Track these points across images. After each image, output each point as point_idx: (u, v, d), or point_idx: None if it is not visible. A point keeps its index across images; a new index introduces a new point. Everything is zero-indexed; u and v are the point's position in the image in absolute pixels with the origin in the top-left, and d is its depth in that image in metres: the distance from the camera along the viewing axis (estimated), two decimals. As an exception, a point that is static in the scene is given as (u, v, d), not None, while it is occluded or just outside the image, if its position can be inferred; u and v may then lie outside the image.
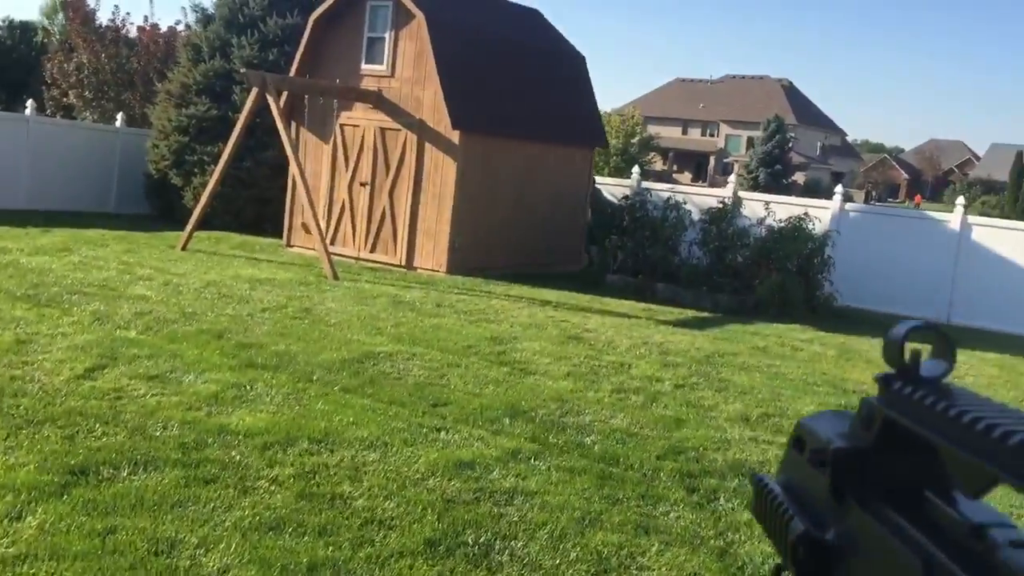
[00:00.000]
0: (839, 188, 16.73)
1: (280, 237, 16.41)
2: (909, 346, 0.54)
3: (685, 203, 15.48)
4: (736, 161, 65.16)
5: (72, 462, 4.83)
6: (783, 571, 0.61)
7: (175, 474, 4.83)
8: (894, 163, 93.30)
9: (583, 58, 17.20)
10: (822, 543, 0.57)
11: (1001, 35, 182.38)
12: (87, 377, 6.47)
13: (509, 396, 7.12)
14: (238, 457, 5.17)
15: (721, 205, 14.47)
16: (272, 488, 4.79)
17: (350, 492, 4.83)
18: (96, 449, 5.08)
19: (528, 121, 15.46)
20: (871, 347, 11.48)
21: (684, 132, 75.56)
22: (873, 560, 0.52)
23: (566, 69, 16.75)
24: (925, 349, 0.56)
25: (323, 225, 14.87)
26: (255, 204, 17.67)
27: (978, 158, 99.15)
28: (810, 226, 13.86)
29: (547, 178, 15.75)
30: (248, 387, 6.63)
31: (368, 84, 14.68)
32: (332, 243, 14.86)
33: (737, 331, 11.53)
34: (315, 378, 7.11)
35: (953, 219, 15.46)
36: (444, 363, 8.03)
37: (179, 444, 5.29)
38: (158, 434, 5.45)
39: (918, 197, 66.92)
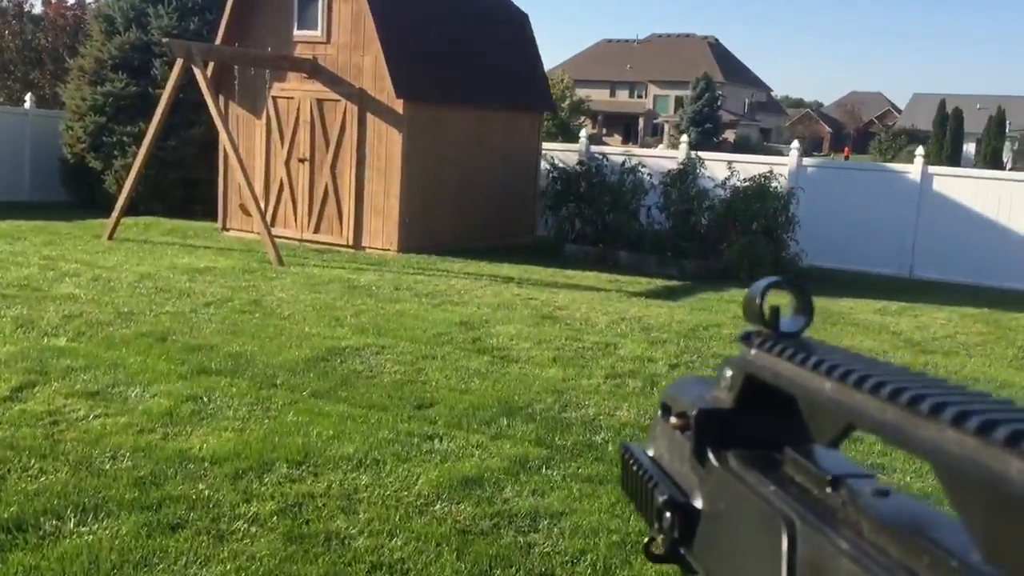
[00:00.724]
0: (795, 144, 16.24)
1: (214, 220, 15.34)
2: (769, 303, 0.53)
3: (642, 166, 14.84)
4: (666, 121, 65.00)
5: (4, 515, 3.97)
6: (652, 542, 0.58)
7: (134, 520, 4.01)
8: (817, 117, 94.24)
9: (526, 16, 16.38)
10: (686, 508, 0.56)
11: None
12: (14, 399, 5.56)
13: (498, 390, 6.39)
14: (207, 492, 4.36)
15: (681, 167, 13.85)
16: (253, 531, 4.00)
17: (347, 529, 4.07)
18: (33, 494, 4.22)
19: (475, 86, 14.61)
20: (851, 308, 11.02)
21: (612, 94, 75.06)
22: (737, 520, 0.51)
23: (509, 29, 15.91)
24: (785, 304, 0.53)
25: (262, 206, 13.87)
26: (183, 186, 16.57)
27: (898, 109, 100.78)
28: (773, 184, 13.32)
29: (496, 146, 14.96)
30: (205, 399, 5.79)
31: (302, 52, 13.67)
32: (272, 225, 13.86)
33: (712, 300, 10.95)
34: (279, 382, 6.29)
35: (913, 170, 15.10)
36: (417, 355, 7.26)
37: (134, 480, 4.46)
38: (107, 467, 4.60)
39: (847, 150, 67.55)
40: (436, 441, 5.31)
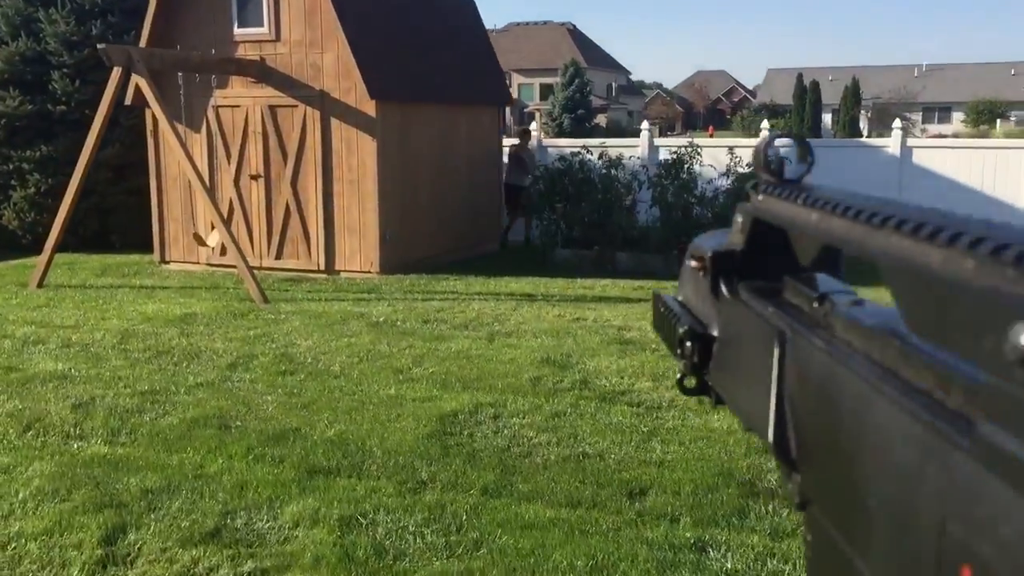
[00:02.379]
0: (764, 123, 15.47)
1: (141, 252, 13.35)
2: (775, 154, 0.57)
3: (620, 159, 13.71)
4: (538, 110, 64.36)
5: None
6: (684, 377, 0.66)
7: None
8: (668, 98, 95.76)
9: (473, 2, 14.96)
10: (702, 335, 0.63)
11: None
12: (111, 562, 3.89)
13: (703, 456, 5.10)
14: None
15: (675, 156, 12.75)
16: None
17: None
18: None
19: (438, 81, 13.13)
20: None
21: (477, 84, 73.83)
22: (742, 339, 0.57)
23: (460, 17, 14.47)
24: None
25: (210, 233, 12.03)
26: (96, 215, 14.39)
27: (743, 86, 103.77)
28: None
29: (461, 146, 13.53)
30: (362, 520, 4.26)
31: (246, 52, 11.87)
32: (222, 254, 12.06)
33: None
34: (425, 477, 4.81)
35: (892, 144, 14.53)
36: (545, 414, 5.88)
37: None
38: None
39: (711, 129, 68.55)
40: (711, 551, 3.99)
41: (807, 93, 62.62)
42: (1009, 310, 0.33)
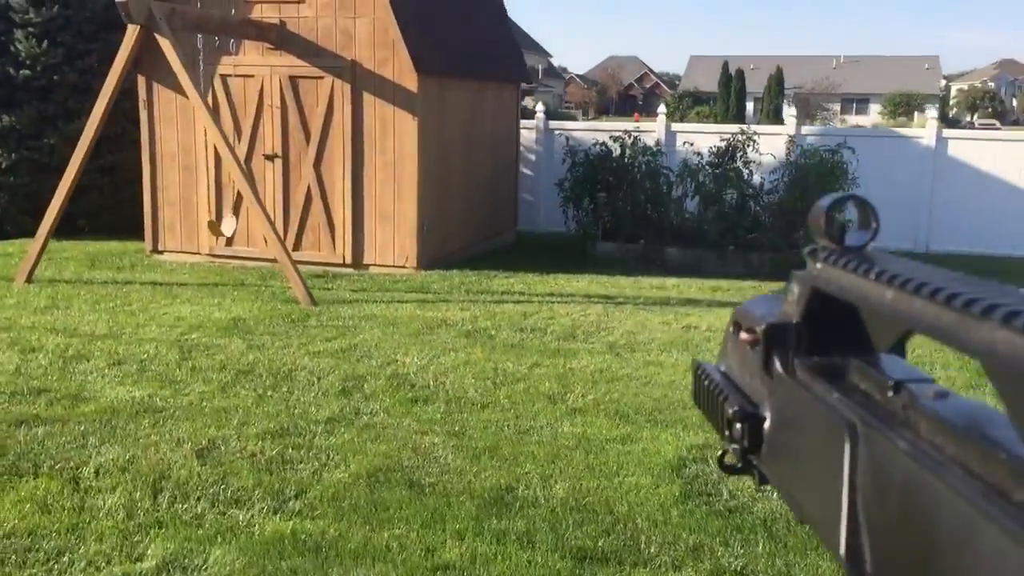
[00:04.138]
0: (791, 110, 14.66)
1: (115, 239, 11.77)
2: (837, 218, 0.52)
3: (659, 144, 12.70)
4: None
5: None
6: (725, 454, 0.60)
7: None
8: (581, 83, 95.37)
9: (490, -29, 13.67)
10: (755, 417, 0.57)
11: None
12: None
13: None
14: None
15: (726, 143, 11.77)
16: None
17: None
18: None
19: (470, 53, 11.87)
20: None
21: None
22: (803, 427, 0.52)
23: (478, -15, 13.18)
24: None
25: (213, 218, 10.54)
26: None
27: (654, 72, 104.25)
28: (838, 157, 11.52)
29: (486, 126, 12.30)
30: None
31: (263, 15, 10.37)
32: (229, 244, 10.59)
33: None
34: (728, 563, 3.68)
35: (926, 135, 13.87)
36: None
37: None
38: None
39: (636, 115, 68.25)
40: None
41: (732, 81, 62.91)
42: None
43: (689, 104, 68.37)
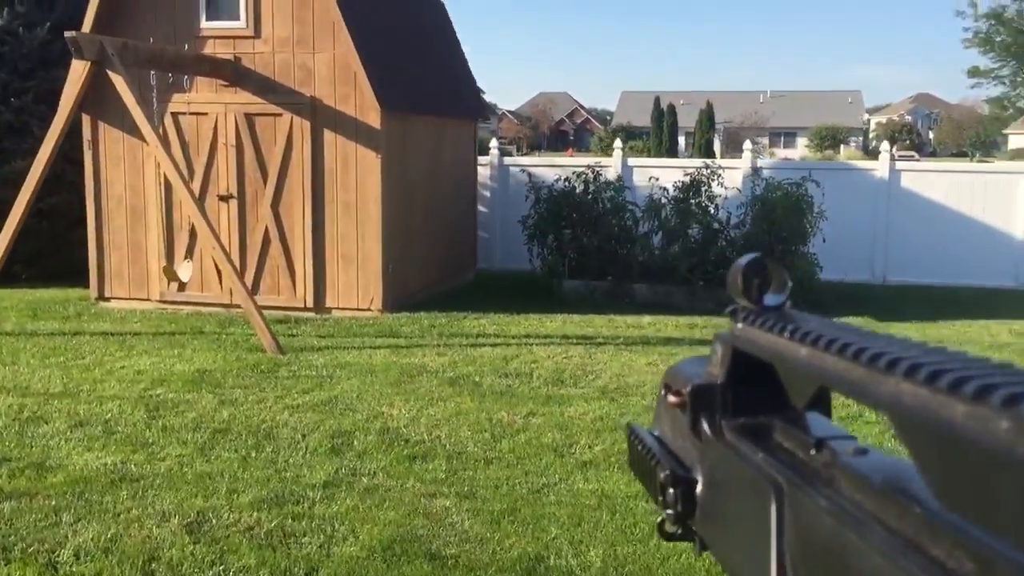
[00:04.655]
0: (748, 144, 14.67)
1: (56, 286, 11.16)
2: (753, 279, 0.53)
3: (620, 180, 12.53)
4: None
5: None
6: (664, 521, 0.59)
7: None
8: (512, 119, 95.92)
9: (443, 3, 13.45)
10: (687, 481, 0.57)
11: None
12: None
13: None
14: None
15: (690, 177, 11.61)
16: None
17: None
18: None
19: (431, 89, 11.58)
20: (968, 330, 9.46)
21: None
22: (732, 489, 0.52)
23: (433, 17, 12.94)
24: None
25: (162, 260, 10.02)
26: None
27: (584, 107, 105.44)
28: (802, 190, 11.44)
29: (446, 163, 11.99)
30: None
31: (215, 50, 9.94)
32: (182, 289, 10.05)
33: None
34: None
35: (880, 167, 13.95)
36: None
37: None
38: None
39: (570, 150, 68.70)
40: None
41: (664, 116, 63.78)
42: None
43: (623, 138, 69.01)
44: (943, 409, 0.32)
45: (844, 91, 74.45)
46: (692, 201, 11.52)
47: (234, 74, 9.88)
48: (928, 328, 9.67)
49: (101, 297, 10.53)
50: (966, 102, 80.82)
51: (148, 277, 10.39)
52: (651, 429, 0.65)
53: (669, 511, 0.57)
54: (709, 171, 11.66)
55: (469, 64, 13.54)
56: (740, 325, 0.53)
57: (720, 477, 0.54)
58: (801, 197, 11.30)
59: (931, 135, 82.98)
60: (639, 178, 13.39)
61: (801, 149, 67.51)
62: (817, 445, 0.46)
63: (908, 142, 72.69)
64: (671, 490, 0.57)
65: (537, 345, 8.47)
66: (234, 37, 9.91)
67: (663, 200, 11.49)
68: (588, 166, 12.17)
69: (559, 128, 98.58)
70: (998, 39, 46.11)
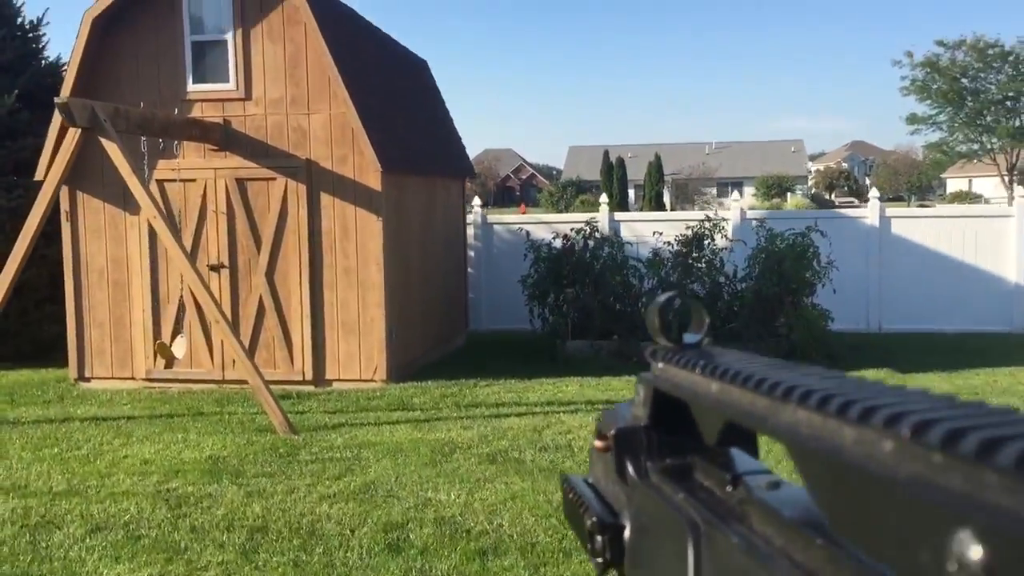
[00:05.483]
0: (736, 195, 14.51)
1: (26, 366, 10.47)
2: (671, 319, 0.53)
3: (618, 236, 12.22)
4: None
5: None
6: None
7: None
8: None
9: (426, 63, 13.13)
10: (612, 527, 0.56)
11: (541, 46, 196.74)
12: None
13: None
14: None
15: (693, 231, 11.31)
16: None
17: None
18: None
19: (422, 148, 11.20)
20: (995, 379, 9.23)
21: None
22: (654, 532, 0.52)
23: (418, 76, 12.60)
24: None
25: (151, 334, 9.43)
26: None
27: (528, 163, 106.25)
28: (807, 240, 11.20)
29: (438, 224, 11.58)
30: None
31: (203, 113, 9.46)
32: (169, 365, 9.41)
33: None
34: None
35: (870, 215, 13.85)
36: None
37: None
38: None
39: (523, 206, 68.76)
40: None
41: (614, 169, 64.25)
42: (947, 511, 0.26)
43: (573, 193, 69.37)
44: (834, 434, 0.32)
45: (787, 140, 75.96)
46: (694, 255, 11.23)
47: (224, 138, 9.39)
48: (956, 378, 9.41)
49: (81, 377, 9.84)
50: (900, 148, 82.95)
51: (132, 354, 9.75)
52: (585, 477, 0.63)
53: (598, 559, 0.56)
54: (711, 224, 11.39)
55: (454, 122, 13.21)
56: (660, 365, 0.52)
57: (645, 520, 0.53)
58: (808, 247, 11.07)
59: (868, 181, 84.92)
60: (627, 233, 13.13)
61: (748, 199, 68.47)
62: (733, 481, 0.45)
63: (846, 188, 74.17)
64: (598, 537, 0.55)
65: (564, 413, 8.00)
66: (223, 100, 9.44)
67: (666, 255, 11.17)
68: (586, 222, 11.83)
69: (505, 184, 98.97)
70: (934, 86, 47.32)
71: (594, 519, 0.57)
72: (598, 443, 0.59)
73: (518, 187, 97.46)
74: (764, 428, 0.37)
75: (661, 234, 11.51)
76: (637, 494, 0.55)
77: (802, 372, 0.39)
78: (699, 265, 11.09)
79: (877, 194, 14.05)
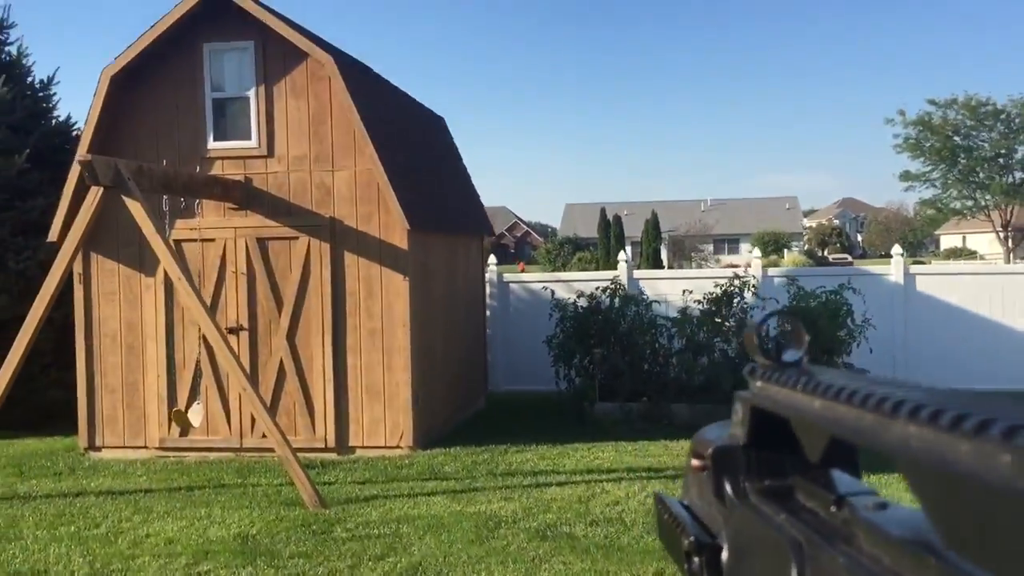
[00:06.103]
0: (755, 251, 14.24)
1: (31, 435, 10.03)
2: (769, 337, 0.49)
3: (643, 294, 11.90)
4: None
5: None
6: None
7: None
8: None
9: (443, 120, 12.93)
10: (712, 548, 0.53)
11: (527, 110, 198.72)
12: None
13: None
14: None
15: (722, 288, 10.99)
16: None
17: None
18: None
19: (444, 205, 10.93)
20: None
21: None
22: (755, 551, 0.51)
23: (437, 132, 12.39)
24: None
25: (165, 400, 9.03)
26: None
27: (523, 220, 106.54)
28: (840, 298, 10.90)
29: (460, 282, 11.26)
30: None
31: (224, 171, 9.17)
32: (184, 433, 8.99)
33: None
34: None
35: (894, 272, 13.59)
36: None
37: None
38: None
39: (521, 264, 68.66)
40: None
41: (611, 226, 64.25)
42: None
43: (570, 250, 69.26)
44: (947, 448, 0.29)
45: (782, 197, 76.28)
46: (723, 312, 10.90)
47: (245, 196, 9.09)
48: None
49: (91, 446, 9.39)
50: (891, 205, 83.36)
51: (146, 421, 9.33)
52: (680, 498, 0.65)
53: None
54: (741, 282, 11.08)
55: (470, 177, 12.97)
56: (759, 383, 0.54)
57: (744, 541, 0.54)
58: (842, 305, 10.76)
59: (859, 237, 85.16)
60: (649, 291, 12.82)
61: (745, 255, 68.48)
62: (837, 502, 0.45)
63: (839, 245, 74.31)
64: (695, 558, 0.56)
65: (606, 482, 7.60)
66: (244, 157, 9.16)
67: (694, 313, 10.84)
68: (611, 280, 11.52)
69: (499, 242, 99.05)
70: (927, 144, 47.59)
71: (691, 539, 0.54)
72: (695, 462, 0.50)
73: (512, 244, 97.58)
74: (873, 444, 0.33)
75: (691, 292, 11.17)
76: (736, 514, 0.52)
77: (908, 387, 0.31)
78: (729, 323, 10.76)
79: (900, 251, 13.79)
